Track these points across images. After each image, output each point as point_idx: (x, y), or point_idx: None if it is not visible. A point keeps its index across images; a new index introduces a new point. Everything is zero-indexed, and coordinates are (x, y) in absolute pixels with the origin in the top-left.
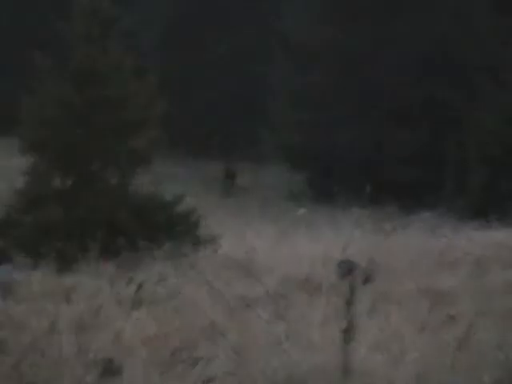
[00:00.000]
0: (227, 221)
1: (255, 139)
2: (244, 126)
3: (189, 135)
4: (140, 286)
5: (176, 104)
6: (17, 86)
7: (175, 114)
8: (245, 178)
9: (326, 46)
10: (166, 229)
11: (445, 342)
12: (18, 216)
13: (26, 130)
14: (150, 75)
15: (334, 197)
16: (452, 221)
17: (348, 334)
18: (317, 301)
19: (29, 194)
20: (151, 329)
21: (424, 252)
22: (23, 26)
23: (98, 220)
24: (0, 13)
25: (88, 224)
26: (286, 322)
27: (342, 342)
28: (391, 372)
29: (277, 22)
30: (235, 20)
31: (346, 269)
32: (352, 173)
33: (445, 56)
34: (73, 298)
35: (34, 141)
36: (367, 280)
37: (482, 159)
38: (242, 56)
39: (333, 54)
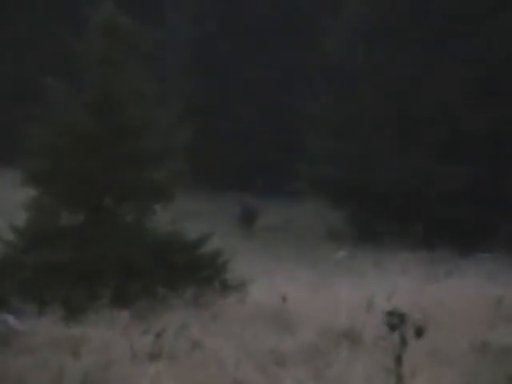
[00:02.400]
0: (257, 264)
1: (288, 173)
2: (276, 158)
3: (215, 169)
4: (158, 337)
5: (201, 134)
6: (23, 114)
7: (199, 146)
8: (277, 215)
9: (371, 71)
10: (188, 273)
11: None
12: (18, 257)
13: (32, 160)
14: (173, 102)
15: (379, 237)
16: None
17: None
18: (359, 357)
19: (32, 231)
20: None
21: (480, 302)
22: (33, 50)
23: (111, 262)
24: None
25: (99, 267)
26: (324, 383)
27: None
28: None
29: (316, 46)
30: (268, 43)
31: (394, 320)
32: (399, 210)
33: (507, 82)
34: (81, 351)
35: (39, 171)
36: (418, 334)
37: None
38: (274, 82)
39: (378, 80)
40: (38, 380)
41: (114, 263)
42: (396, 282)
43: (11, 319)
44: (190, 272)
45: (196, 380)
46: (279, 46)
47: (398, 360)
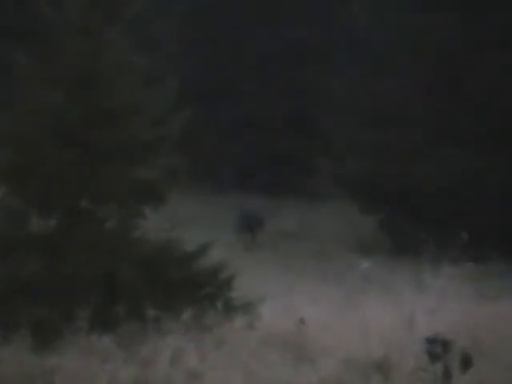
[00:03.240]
0: (269, 280)
1: (307, 168)
2: (292, 150)
3: (214, 164)
4: (145, 367)
5: (201, 121)
6: None
7: (195, 137)
8: (293, 219)
9: (409, 44)
10: (185, 291)
11: None
12: None
13: None
14: (168, 81)
15: (419, 247)
16: None
17: None
18: None
19: None
20: None
21: None
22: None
23: (90, 278)
24: None
25: (76, 283)
26: None
27: None
28: None
29: (341, 18)
30: (287, 13)
31: (436, 349)
32: (442, 215)
33: None
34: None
35: (3, 167)
36: (465, 365)
37: None
38: (288, 59)
39: (417, 53)
40: None
41: (94, 279)
42: (439, 301)
43: None
44: (187, 290)
45: None
46: (290, 16)
47: None
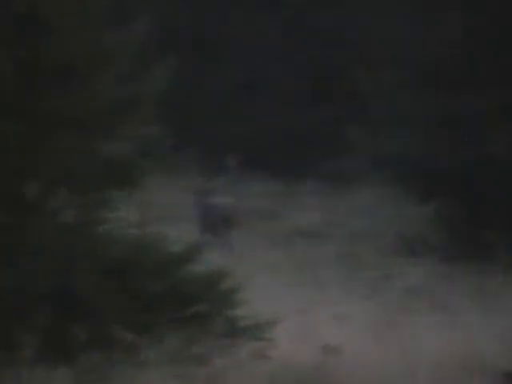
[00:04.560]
0: (284, 293)
1: (336, 147)
2: (315, 123)
3: (208, 137)
4: None
5: (187, 80)
6: None
7: (183, 99)
8: (317, 212)
9: None
10: (169, 307)
11: None
12: None
13: None
14: (141, 23)
15: (484, 250)
16: None
17: None
18: None
19: None
20: None
21: None
22: None
23: (39, 290)
24: None
25: (19, 298)
26: None
27: None
28: None
29: None
30: None
31: None
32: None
33: None
34: None
35: None
36: None
37: None
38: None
39: None
40: None
41: (43, 292)
42: None
43: None
44: (172, 306)
45: None
46: None
47: None
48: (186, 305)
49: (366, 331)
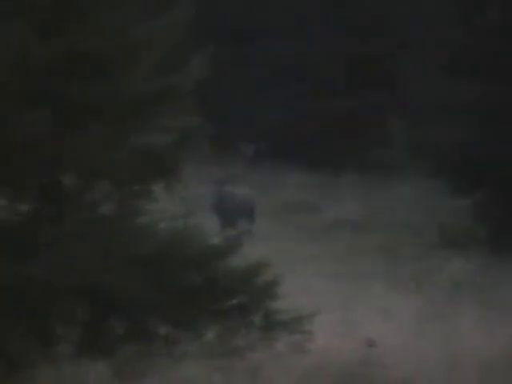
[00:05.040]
0: (323, 286)
1: (372, 134)
2: (351, 109)
3: (251, 125)
4: None
5: (228, 65)
6: None
7: (225, 84)
8: (356, 203)
9: None
10: (208, 301)
11: None
12: None
13: None
14: (181, 9)
15: None
16: None
17: None
18: None
19: None
20: None
21: None
22: None
23: (77, 284)
24: None
25: (57, 292)
26: None
27: None
28: None
29: None
30: None
31: None
32: None
33: None
34: None
35: None
36: None
37: None
38: None
39: None
40: None
41: (82, 286)
42: None
43: None
44: (211, 299)
45: None
46: None
47: None
48: (225, 298)
49: (409, 325)
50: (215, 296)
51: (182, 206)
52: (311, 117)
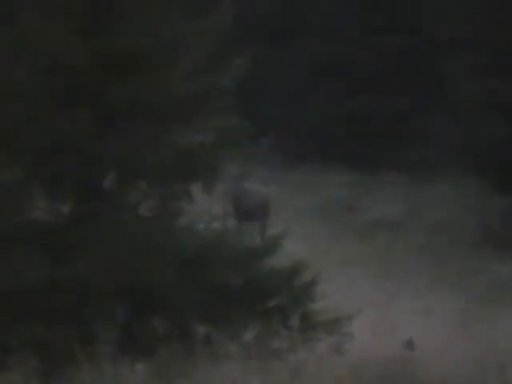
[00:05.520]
0: (363, 286)
1: (413, 133)
2: (391, 108)
3: (289, 124)
4: None
5: (267, 64)
6: None
7: (264, 84)
8: (396, 202)
9: None
10: (247, 301)
11: None
12: None
13: None
14: (221, 9)
15: None
16: None
17: None
18: None
19: None
20: None
21: None
22: None
23: (118, 284)
24: None
25: (98, 291)
26: None
27: None
28: None
29: None
30: None
31: None
32: None
33: None
34: None
35: None
36: None
37: None
38: None
39: None
40: None
41: (122, 286)
42: None
43: None
44: (250, 300)
45: None
46: None
47: None
48: (264, 298)
49: (451, 325)
50: (255, 296)
51: (223, 207)
52: (352, 116)
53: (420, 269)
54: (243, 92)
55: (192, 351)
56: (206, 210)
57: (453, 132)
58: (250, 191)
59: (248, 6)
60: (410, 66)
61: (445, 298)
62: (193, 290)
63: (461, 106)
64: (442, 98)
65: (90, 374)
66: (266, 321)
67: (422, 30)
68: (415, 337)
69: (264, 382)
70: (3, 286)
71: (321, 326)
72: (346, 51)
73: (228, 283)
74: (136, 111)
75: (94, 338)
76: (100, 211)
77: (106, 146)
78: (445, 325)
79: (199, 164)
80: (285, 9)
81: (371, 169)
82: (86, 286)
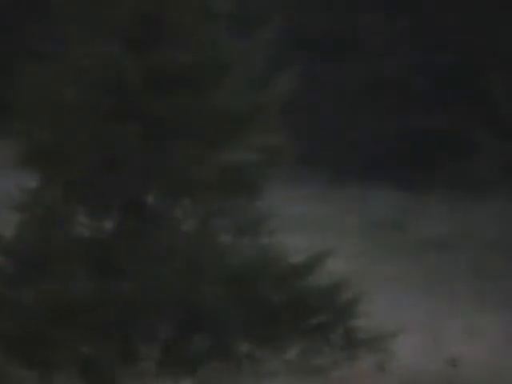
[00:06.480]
0: (407, 304)
1: (463, 148)
2: (440, 122)
3: (335, 144)
4: None
5: (316, 84)
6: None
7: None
8: (444, 221)
9: None
10: (290, 318)
11: None
12: (4, 290)
13: (24, 126)
14: (269, 28)
15: None
16: None
17: None
18: None
19: (27, 247)
20: None
21: None
22: None
23: (161, 300)
24: None
25: (141, 308)
26: None
27: None
28: None
29: None
30: None
31: None
32: None
33: None
34: None
35: (36, 146)
36: None
37: None
38: None
39: None
40: None
41: (165, 302)
42: None
43: None
44: (293, 317)
45: None
46: None
47: None
48: (308, 315)
49: (497, 344)
50: (298, 314)
51: (267, 224)
52: (400, 132)
53: (468, 288)
54: (293, 108)
55: (235, 368)
56: (250, 226)
57: (504, 147)
58: None
59: (300, 21)
60: (461, 81)
61: (493, 318)
62: (237, 307)
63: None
64: (493, 112)
65: None
66: (309, 338)
67: (473, 45)
68: (460, 355)
69: None
70: (49, 302)
71: (364, 344)
72: (397, 66)
73: (272, 300)
74: (184, 126)
75: (138, 355)
76: (145, 227)
77: (152, 161)
78: (492, 343)
79: (244, 182)
80: (336, 23)
81: (421, 186)
82: (129, 302)
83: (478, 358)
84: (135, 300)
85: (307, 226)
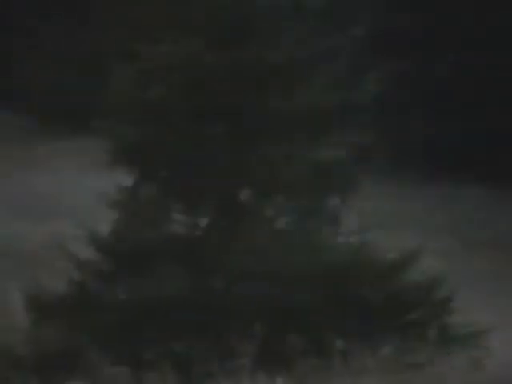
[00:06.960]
0: (501, 302)
1: None
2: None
3: (423, 142)
4: None
5: (403, 79)
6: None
7: (399, 97)
8: None
9: None
10: (386, 315)
11: None
12: (98, 288)
13: (115, 124)
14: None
15: None
16: None
17: None
18: None
19: (122, 245)
20: None
21: None
22: None
23: (256, 298)
24: None
25: (236, 305)
26: None
27: None
28: None
29: None
30: None
31: None
32: None
33: None
34: None
35: (129, 144)
36: None
37: None
38: None
39: None
40: None
41: (261, 300)
42: None
43: None
44: (389, 314)
45: None
46: None
47: None
48: (404, 312)
49: None
50: (394, 310)
51: (361, 222)
52: (491, 129)
53: None
54: (381, 106)
55: (330, 365)
56: (345, 223)
57: None
58: None
59: (389, 19)
60: None
61: None
62: (331, 305)
63: None
64: None
65: None
66: (405, 334)
67: None
68: None
69: None
70: (144, 300)
71: (459, 340)
72: (477, 62)
73: (367, 297)
74: (274, 125)
75: (233, 353)
76: (237, 225)
77: (244, 160)
78: None
79: (336, 179)
80: (419, 21)
81: (502, 183)
82: (224, 300)
83: None
84: (230, 297)
85: (396, 224)
